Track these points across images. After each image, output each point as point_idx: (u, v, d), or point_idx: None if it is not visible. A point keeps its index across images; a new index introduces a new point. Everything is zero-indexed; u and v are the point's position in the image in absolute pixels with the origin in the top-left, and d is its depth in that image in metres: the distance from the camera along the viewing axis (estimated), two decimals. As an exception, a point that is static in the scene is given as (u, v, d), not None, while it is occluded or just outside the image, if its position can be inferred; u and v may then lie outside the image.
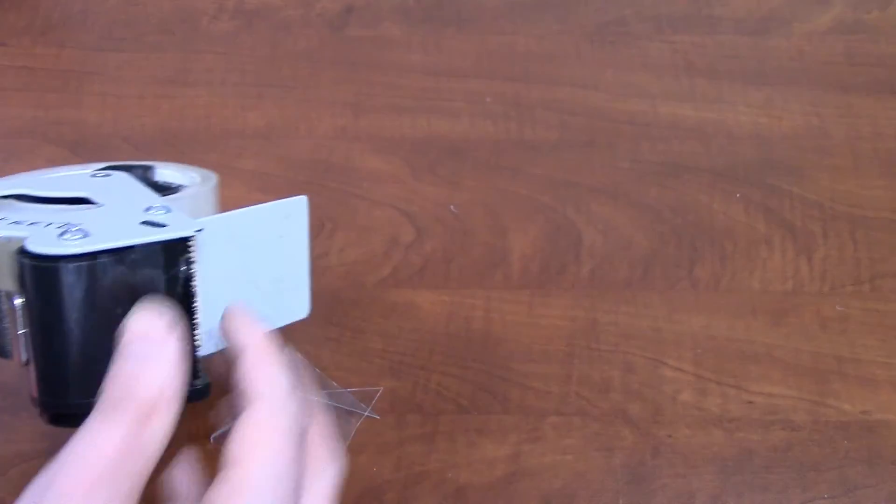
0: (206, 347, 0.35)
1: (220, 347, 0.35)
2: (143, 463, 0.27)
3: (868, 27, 0.59)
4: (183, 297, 0.33)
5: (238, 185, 0.53)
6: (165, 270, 0.33)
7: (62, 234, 0.32)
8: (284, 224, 0.37)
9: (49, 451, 0.46)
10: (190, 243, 0.33)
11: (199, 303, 0.34)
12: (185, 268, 0.33)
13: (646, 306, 0.50)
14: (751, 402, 0.48)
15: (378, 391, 0.47)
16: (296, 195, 0.37)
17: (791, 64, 0.58)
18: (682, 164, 0.54)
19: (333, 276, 0.51)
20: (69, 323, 0.31)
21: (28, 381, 0.33)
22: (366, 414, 0.47)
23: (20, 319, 0.32)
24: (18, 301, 0.32)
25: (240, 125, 0.56)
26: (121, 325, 0.31)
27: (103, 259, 0.31)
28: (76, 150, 0.55)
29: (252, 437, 0.29)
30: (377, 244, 0.52)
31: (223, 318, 0.34)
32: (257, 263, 0.36)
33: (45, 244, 0.31)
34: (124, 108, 0.56)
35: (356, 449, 0.46)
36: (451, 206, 0.53)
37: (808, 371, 0.49)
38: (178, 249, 0.33)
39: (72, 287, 0.31)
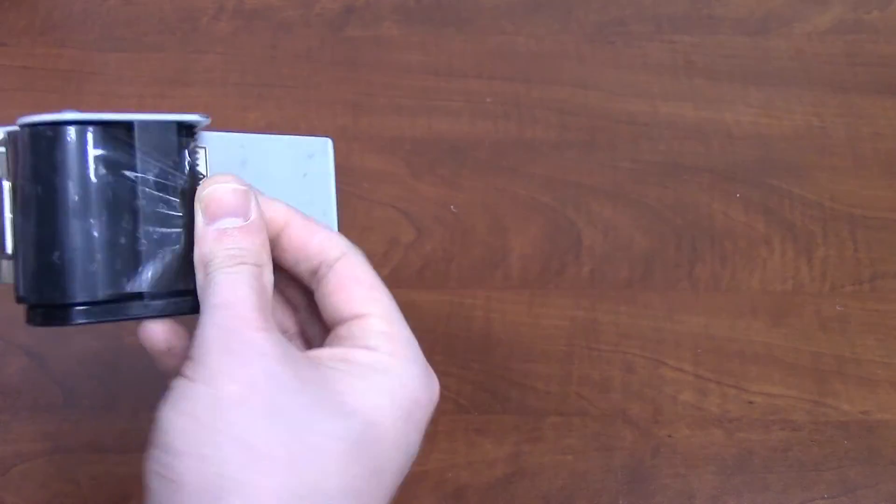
0: None
1: None
2: (268, 299, 0.30)
3: (868, 27, 0.59)
4: (192, 192, 0.31)
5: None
6: (169, 156, 0.31)
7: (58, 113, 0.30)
8: (308, 163, 0.35)
9: (49, 452, 0.46)
10: (195, 130, 0.32)
11: None
12: (190, 159, 0.31)
13: (646, 306, 0.50)
14: (751, 402, 0.48)
15: (378, 391, 0.47)
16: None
17: (791, 64, 0.58)
18: (682, 164, 0.54)
19: (333, 276, 0.51)
20: (66, 198, 0.29)
21: (14, 277, 0.31)
22: (366, 414, 0.47)
23: (7, 203, 0.30)
24: (6, 183, 0.30)
25: (240, 125, 0.55)
26: (198, 193, 0.31)
27: (103, 129, 0.29)
28: (76, 150, 0.54)
29: (369, 281, 0.32)
30: (377, 244, 0.52)
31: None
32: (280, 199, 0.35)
33: (41, 116, 0.30)
34: (124, 108, 0.56)
35: (356, 449, 0.46)
36: (451, 206, 0.53)
37: (808, 371, 0.49)
38: (182, 134, 0.31)
39: (71, 154, 0.29)
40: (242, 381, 0.28)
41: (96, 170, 0.30)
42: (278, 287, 0.34)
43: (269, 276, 0.31)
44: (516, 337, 0.49)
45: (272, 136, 0.34)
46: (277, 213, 0.32)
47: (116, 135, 0.30)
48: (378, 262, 0.51)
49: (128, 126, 0.30)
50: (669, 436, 0.47)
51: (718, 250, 0.52)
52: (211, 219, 0.30)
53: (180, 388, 0.28)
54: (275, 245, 0.32)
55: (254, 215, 0.31)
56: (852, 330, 0.50)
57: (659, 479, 0.46)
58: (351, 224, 0.52)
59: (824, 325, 0.50)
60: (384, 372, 0.30)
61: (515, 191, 0.54)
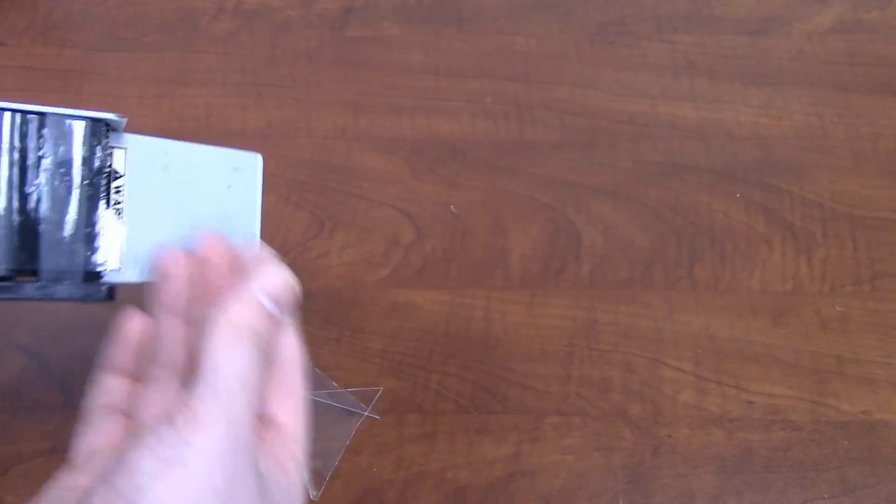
0: (127, 274, 0.33)
1: (141, 279, 0.33)
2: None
3: (868, 27, 0.59)
4: (103, 192, 0.33)
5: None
6: (83, 149, 0.32)
7: None
8: (233, 176, 0.36)
9: (49, 452, 0.46)
10: (108, 129, 0.32)
11: (126, 221, 0.33)
12: (101, 155, 0.32)
13: (646, 306, 0.50)
14: (751, 402, 0.48)
15: (378, 391, 0.48)
16: (252, 152, 0.36)
17: (791, 64, 0.58)
18: (682, 164, 0.55)
19: (333, 276, 0.51)
20: None
21: None
22: (366, 414, 0.47)
23: None
24: None
25: (240, 125, 0.56)
26: (265, 265, 0.32)
27: (16, 114, 0.31)
28: (76, 150, 0.55)
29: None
30: (377, 244, 0.52)
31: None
32: (199, 208, 0.35)
33: None
34: (124, 108, 0.56)
35: (356, 449, 0.46)
36: (451, 206, 0.53)
37: (808, 371, 0.49)
38: (95, 131, 0.32)
39: None
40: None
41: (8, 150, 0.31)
42: None
43: None
44: (516, 337, 0.49)
45: (198, 145, 0.35)
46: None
47: (29, 120, 0.31)
48: (378, 262, 0.51)
49: (42, 115, 0.32)
50: (669, 436, 0.47)
51: (718, 250, 0.52)
52: (264, 293, 0.31)
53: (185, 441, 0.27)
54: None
55: (287, 320, 0.32)
56: (852, 330, 0.50)
57: (659, 479, 0.46)
58: (351, 224, 0.52)
59: (824, 325, 0.50)
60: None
61: (515, 191, 0.54)
